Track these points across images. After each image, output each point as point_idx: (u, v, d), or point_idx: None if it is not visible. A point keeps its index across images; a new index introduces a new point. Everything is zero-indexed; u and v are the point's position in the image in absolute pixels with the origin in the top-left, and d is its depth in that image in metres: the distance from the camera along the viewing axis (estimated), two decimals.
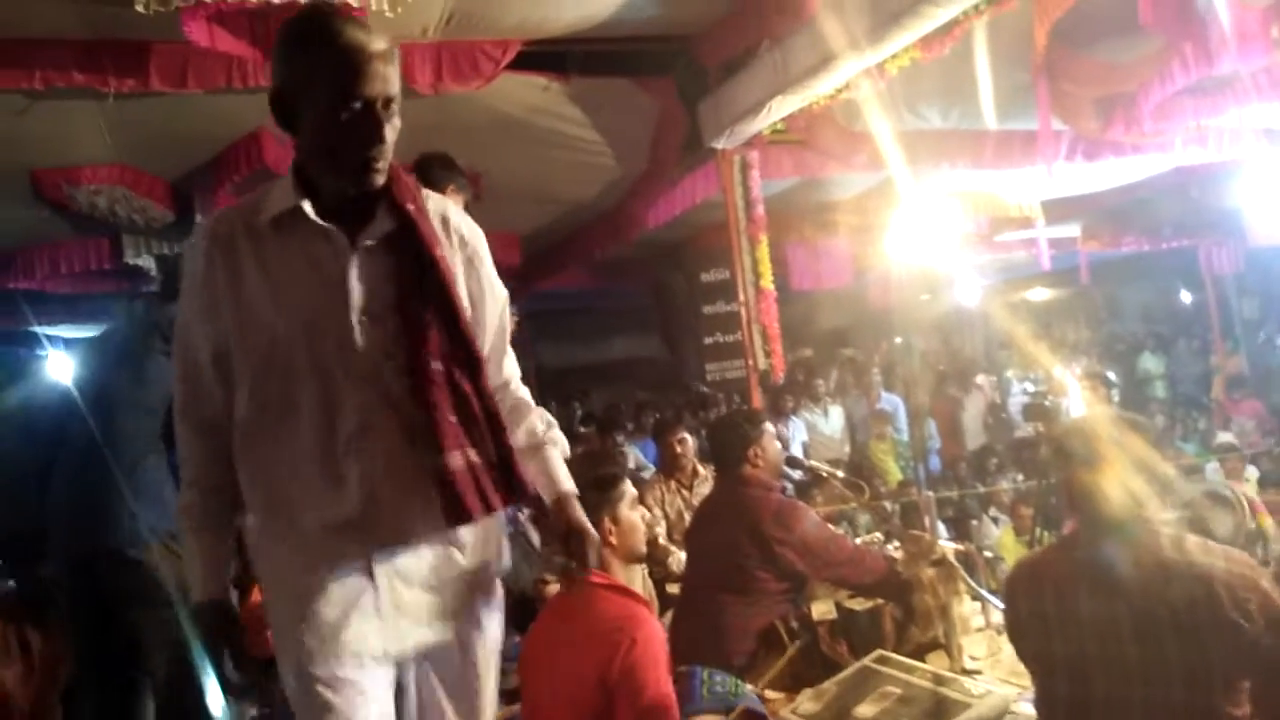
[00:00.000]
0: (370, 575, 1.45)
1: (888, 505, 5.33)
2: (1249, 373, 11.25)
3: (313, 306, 1.44)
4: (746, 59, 5.02)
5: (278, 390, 1.45)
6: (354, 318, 1.44)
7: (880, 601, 3.00)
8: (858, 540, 3.77)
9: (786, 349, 6.09)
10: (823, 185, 6.95)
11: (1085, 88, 5.47)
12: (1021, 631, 1.98)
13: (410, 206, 1.48)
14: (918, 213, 6.77)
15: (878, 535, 4.07)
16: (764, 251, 5.52)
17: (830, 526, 3.36)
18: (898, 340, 11.06)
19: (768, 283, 5.47)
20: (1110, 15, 4.66)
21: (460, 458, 1.45)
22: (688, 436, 4.52)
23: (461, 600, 1.54)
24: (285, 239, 1.45)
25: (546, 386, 10.67)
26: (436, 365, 1.46)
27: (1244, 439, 8.48)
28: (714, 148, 5.47)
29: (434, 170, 2.93)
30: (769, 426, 3.26)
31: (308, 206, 1.43)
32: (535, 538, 4.16)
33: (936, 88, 5.54)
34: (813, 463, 3.52)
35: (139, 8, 3.21)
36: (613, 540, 2.14)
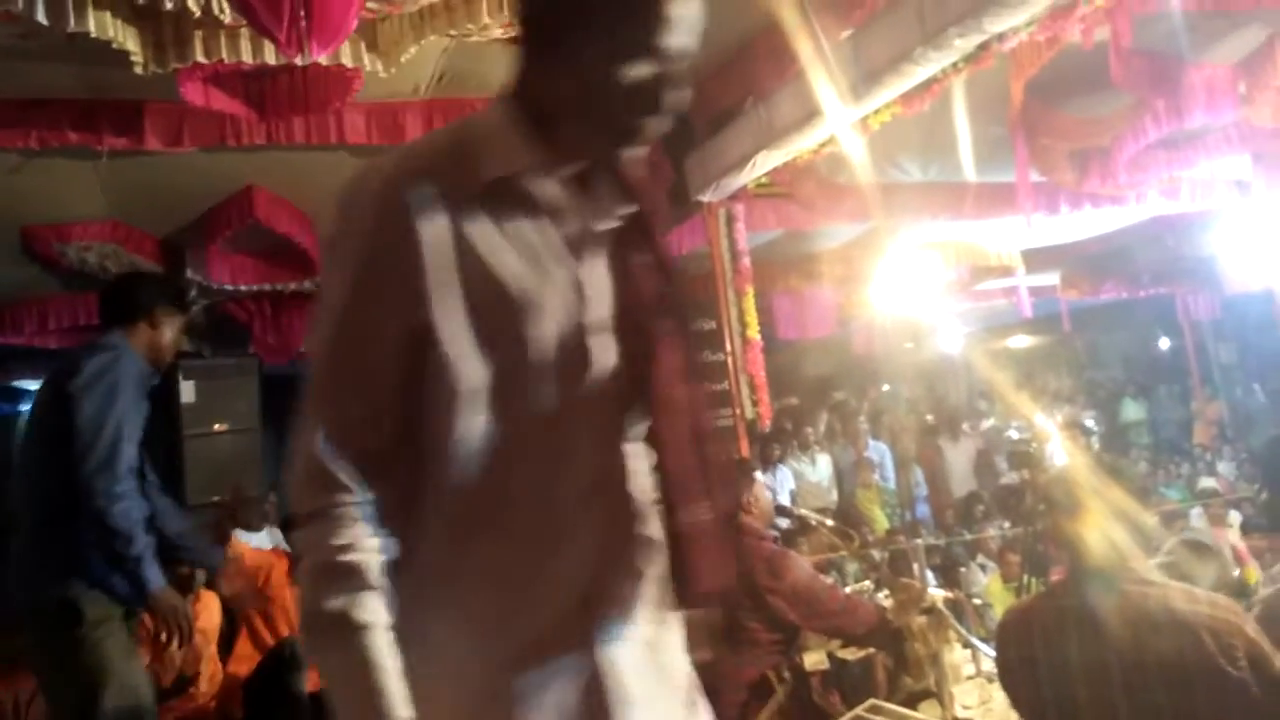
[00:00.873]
0: (588, 680, 1.09)
1: (876, 553, 5.34)
2: (1228, 418, 11.38)
3: (546, 316, 1.08)
4: (732, 115, 5.13)
5: (502, 430, 1.07)
6: (589, 334, 1.10)
7: (872, 651, 3.01)
8: (847, 589, 3.78)
9: (773, 398, 6.13)
10: (807, 236, 7.05)
11: (1061, 141, 5.61)
12: (1012, 678, 2.00)
13: (644, 184, 1.16)
14: (900, 263, 6.89)
15: (867, 584, 4.08)
16: (750, 302, 5.59)
17: (821, 576, 3.38)
18: (885, 388, 11.16)
19: (754, 332, 5.54)
20: (1083, 72, 4.80)
21: (698, 518, 1.14)
22: None
23: (682, 700, 1.20)
24: (503, 210, 1.08)
25: None
26: (680, 400, 1.15)
27: (1226, 484, 8.56)
28: (700, 201, 5.56)
29: None
30: (759, 475, 3.29)
31: (547, 184, 1.09)
32: None
33: (917, 142, 5.68)
34: (802, 511, 3.54)
35: (137, 69, 3.27)
36: None
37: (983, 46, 3.65)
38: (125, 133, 4.12)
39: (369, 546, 1.03)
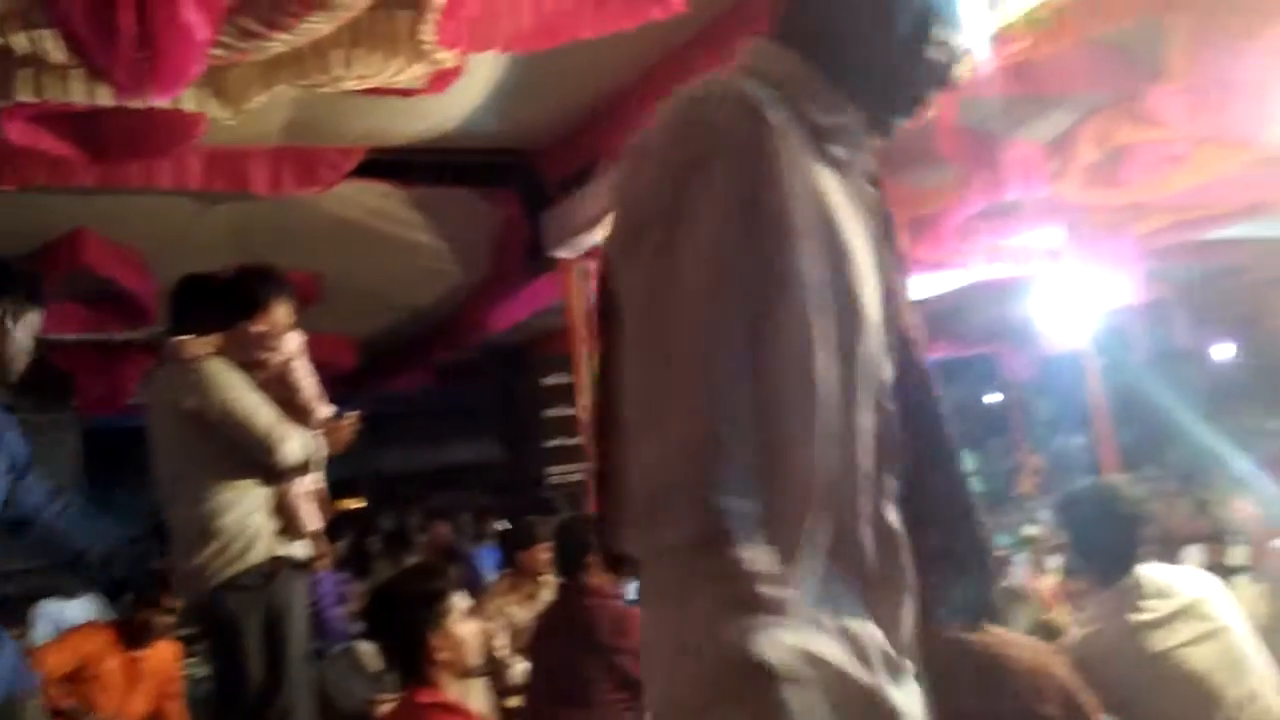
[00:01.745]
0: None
1: None
2: (1048, 469, 12.21)
3: (868, 294, 0.97)
4: (587, 173, 5.23)
5: (847, 417, 0.94)
6: (876, 321, 0.99)
7: None
8: None
9: None
10: None
11: (897, 210, 5.96)
12: None
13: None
14: None
15: None
16: None
17: None
18: None
19: None
20: (916, 145, 5.16)
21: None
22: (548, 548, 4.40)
23: None
24: (824, 158, 0.98)
25: (384, 492, 10.37)
26: (940, 399, 1.08)
27: (1047, 530, 9.16)
28: (556, 257, 5.61)
29: (256, 284, 2.91)
30: None
31: (845, 144, 1.00)
32: (367, 656, 4.01)
33: None
34: None
35: None
36: (442, 657, 2.10)
37: None
38: None
39: (780, 573, 0.85)
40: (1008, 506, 11.41)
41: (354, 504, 9.63)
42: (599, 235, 5.28)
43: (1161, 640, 2.21)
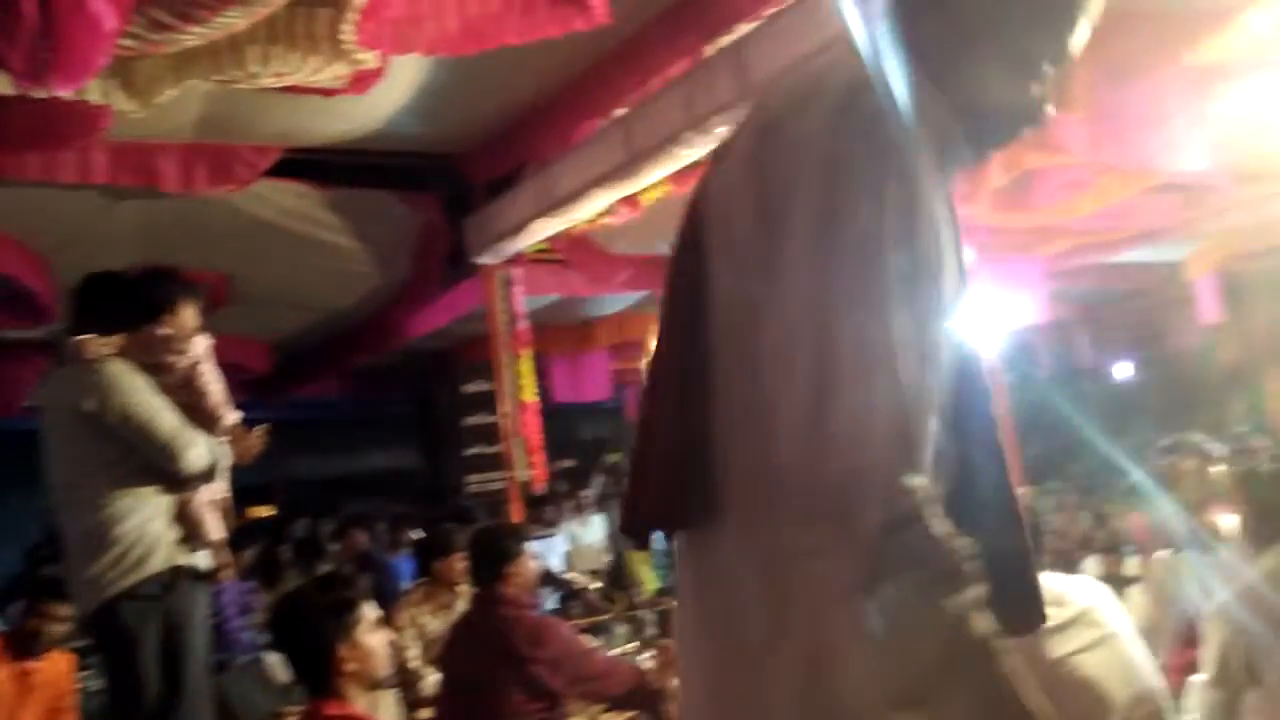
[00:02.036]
0: None
1: (646, 613, 5.43)
2: None
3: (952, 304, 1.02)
4: (511, 180, 5.22)
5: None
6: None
7: (634, 715, 3.05)
8: (614, 652, 3.82)
9: (548, 461, 6.16)
10: (585, 302, 7.22)
11: None
12: None
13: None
14: None
15: (632, 645, 4.15)
16: (527, 364, 5.63)
17: (584, 640, 3.40)
18: None
19: (530, 395, 5.56)
20: None
21: None
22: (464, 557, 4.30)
23: None
24: (933, 183, 1.00)
25: (294, 503, 10.11)
26: (990, 407, 1.14)
27: None
28: (478, 263, 5.57)
29: (163, 285, 2.82)
30: (528, 546, 3.29)
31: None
32: (273, 668, 3.90)
33: None
34: (569, 575, 3.57)
35: None
36: (350, 668, 2.05)
37: None
38: None
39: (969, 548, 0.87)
40: None
41: (263, 512, 9.37)
42: (522, 242, 5.26)
43: (1057, 647, 2.29)
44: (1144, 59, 3.89)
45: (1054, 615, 2.35)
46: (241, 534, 7.28)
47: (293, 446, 9.20)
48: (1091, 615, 2.37)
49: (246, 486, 3.24)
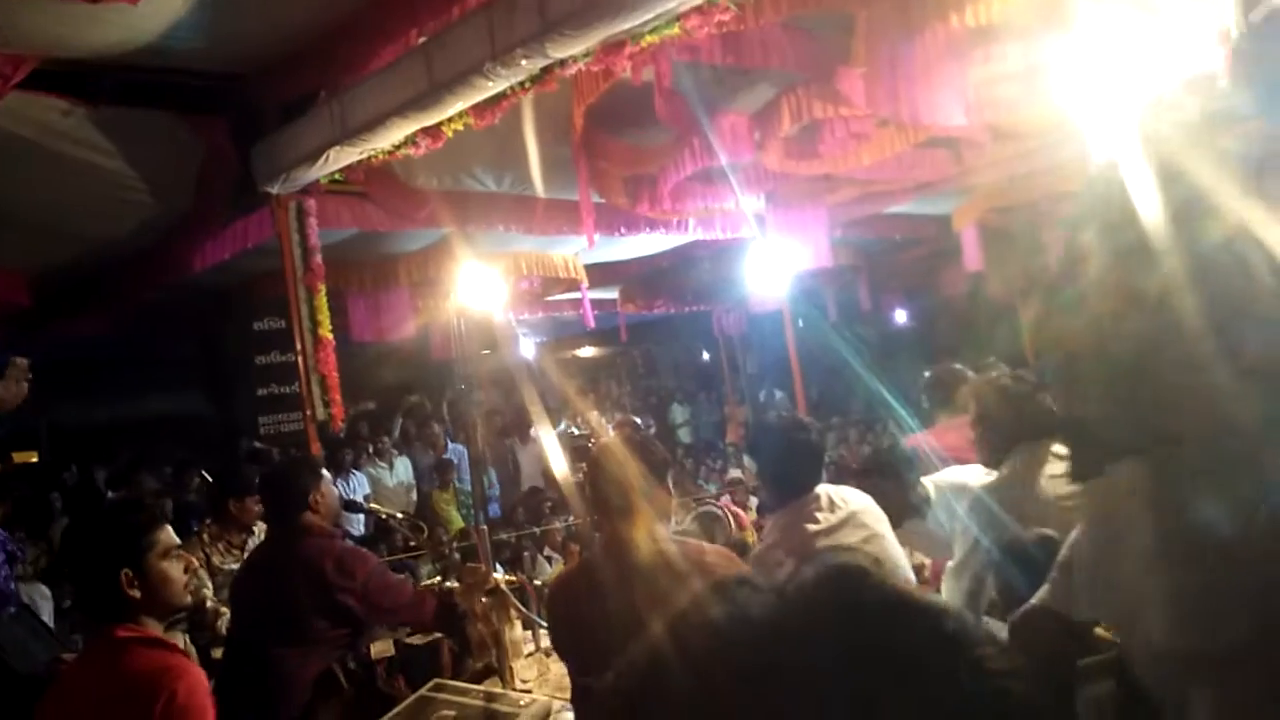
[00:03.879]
0: None
1: (448, 551, 5.48)
2: (753, 419, 13.29)
3: None
4: (305, 105, 4.98)
5: None
6: None
7: (438, 635, 3.11)
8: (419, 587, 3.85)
9: (348, 402, 6.01)
10: (385, 238, 7.02)
11: (617, 166, 6.21)
12: (559, 634, 2.22)
13: None
14: (476, 270, 7.14)
15: (437, 578, 4.19)
16: (322, 300, 5.44)
17: (391, 573, 3.42)
18: (461, 387, 11.42)
19: (326, 331, 5.39)
20: (637, 106, 5.38)
21: None
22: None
23: None
24: None
25: (62, 449, 9.32)
26: None
27: (750, 474, 10.04)
28: (269, 192, 5.31)
29: None
30: (326, 474, 3.24)
31: None
32: (47, 614, 3.67)
33: (491, 154, 5.94)
34: (373, 505, 3.55)
35: None
36: (135, 594, 1.97)
37: (547, 70, 3.95)
38: None
39: None
40: (715, 454, 12.31)
41: (28, 458, 8.59)
42: (317, 172, 5.05)
43: (831, 543, 2.55)
44: (918, 20, 4.21)
45: (830, 518, 2.60)
46: (2, 481, 6.69)
47: (58, 389, 8.46)
48: (861, 517, 2.64)
49: (8, 432, 3.00)
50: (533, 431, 9.62)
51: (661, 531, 2.18)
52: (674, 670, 0.54)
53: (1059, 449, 2.40)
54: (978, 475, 2.75)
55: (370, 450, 8.47)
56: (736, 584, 0.56)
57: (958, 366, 4.57)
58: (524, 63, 3.83)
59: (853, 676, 0.47)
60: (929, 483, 2.91)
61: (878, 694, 0.46)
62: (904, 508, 2.83)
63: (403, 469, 8.60)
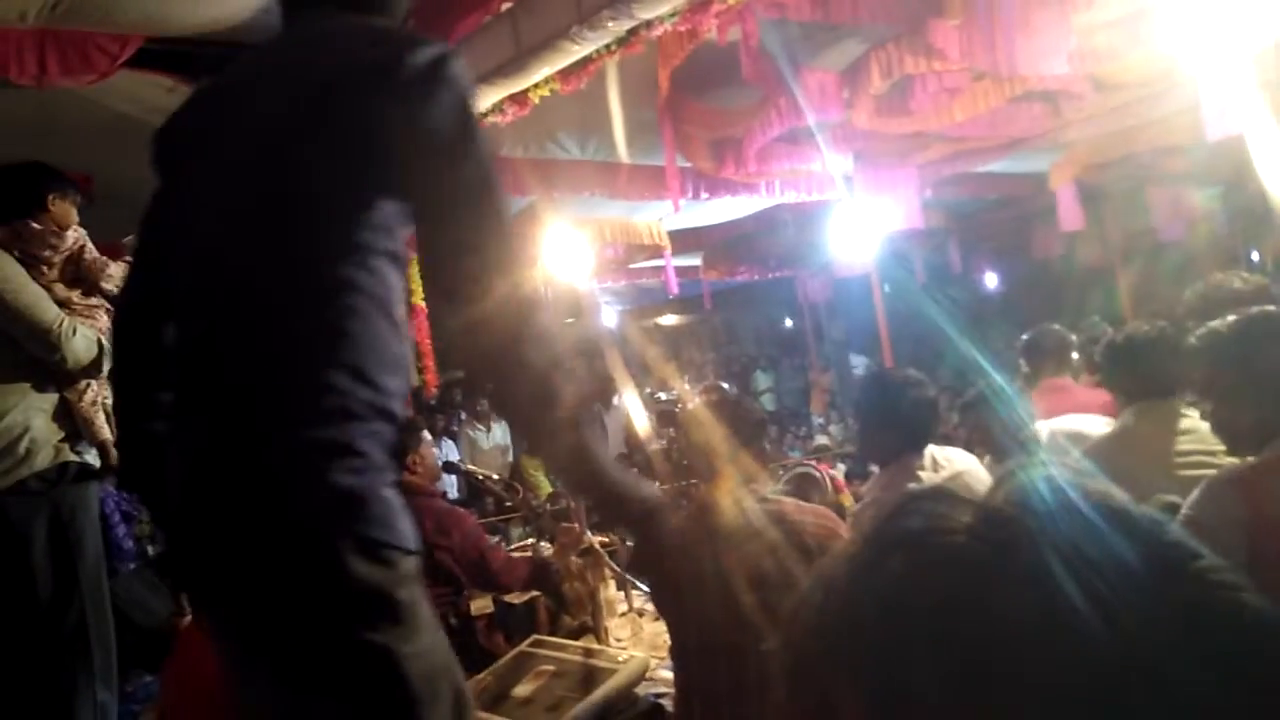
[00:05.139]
0: None
1: (541, 512, 5.56)
2: (838, 387, 13.12)
3: None
4: None
5: None
6: None
7: (535, 594, 3.18)
8: (511, 548, 3.93)
9: (442, 372, 6.12)
10: None
11: (702, 130, 6.15)
12: (659, 596, 2.23)
13: None
14: (560, 237, 7.16)
15: (530, 540, 4.27)
16: (414, 269, 5.53)
17: (486, 536, 3.49)
18: None
19: (419, 299, 5.49)
20: (723, 67, 5.31)
21: None
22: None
23: None
24: None
25: None
26: None
27: (835, 442, 9.95)
28: None
29: (36, 180, 2.70)
30: (426, 435, 3.32)
31: None
32: None
33: (575, 120, 5.94)
34: (469, 467, 3.63)
35: None
36: None
37: (633, 31, 3.92)
38: None
39: None
40: (800, 421, 12.22)
41: None
42: None
43: None
44: None
45: (934, 479, 2.56)
46: None
47: None
48: (964, 478, 2.59)
49: None
50: (616, 399, 9.68)
51: (759, 491, 2.17)
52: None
53: (1186, 410, 2.31)
54: (1098, 425, 2.67)
55: (464, 416, 8.66)
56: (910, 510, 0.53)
57: (1056, 327, 4.43)
58: (610, 25, 3.81)
59: (1066, 591, 0.43)
60: (1044, 426, 2.84)
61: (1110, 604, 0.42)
62: (1006, 444, 2.78)
63: (500, 432, 8.78)
